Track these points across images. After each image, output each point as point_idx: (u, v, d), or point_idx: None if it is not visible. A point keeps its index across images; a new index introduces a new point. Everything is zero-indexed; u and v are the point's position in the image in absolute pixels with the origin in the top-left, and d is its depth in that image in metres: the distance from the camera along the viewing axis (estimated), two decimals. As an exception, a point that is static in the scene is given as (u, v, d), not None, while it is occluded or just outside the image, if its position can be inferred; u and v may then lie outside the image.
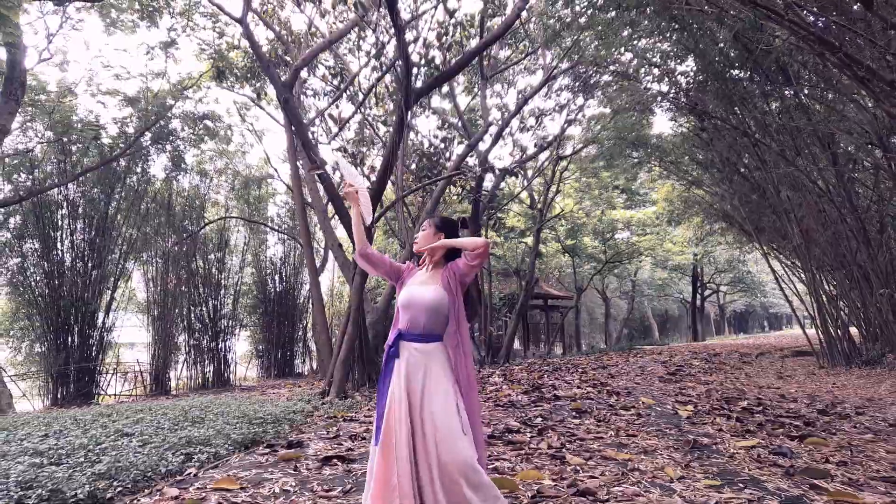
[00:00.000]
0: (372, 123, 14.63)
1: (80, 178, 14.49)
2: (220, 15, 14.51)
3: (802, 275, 15.15)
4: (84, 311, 14.58)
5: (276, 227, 19.96)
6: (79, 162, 15.00)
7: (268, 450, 5.40)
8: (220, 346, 18.25)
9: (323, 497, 3.93)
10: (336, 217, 11.25)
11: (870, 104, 9.69)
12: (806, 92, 12.13)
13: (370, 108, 14.71)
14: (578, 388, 9.52)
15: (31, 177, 14.60)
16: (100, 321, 15.16)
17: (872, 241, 12.44)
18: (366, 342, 10.33)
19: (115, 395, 15.64)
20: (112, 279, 15.68)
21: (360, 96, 13.83)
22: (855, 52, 7.07)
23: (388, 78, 13.20)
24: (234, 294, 19.63)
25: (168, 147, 17.23)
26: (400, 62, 8.85)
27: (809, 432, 6.05)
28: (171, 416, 6.66)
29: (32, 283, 14.28)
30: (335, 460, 4.90)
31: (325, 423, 6.89)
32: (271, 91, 18.41)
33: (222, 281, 18.98)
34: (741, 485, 3.98)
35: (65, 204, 14.74)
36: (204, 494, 4.01)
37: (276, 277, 20.33)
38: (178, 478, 4.54)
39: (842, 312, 14.08)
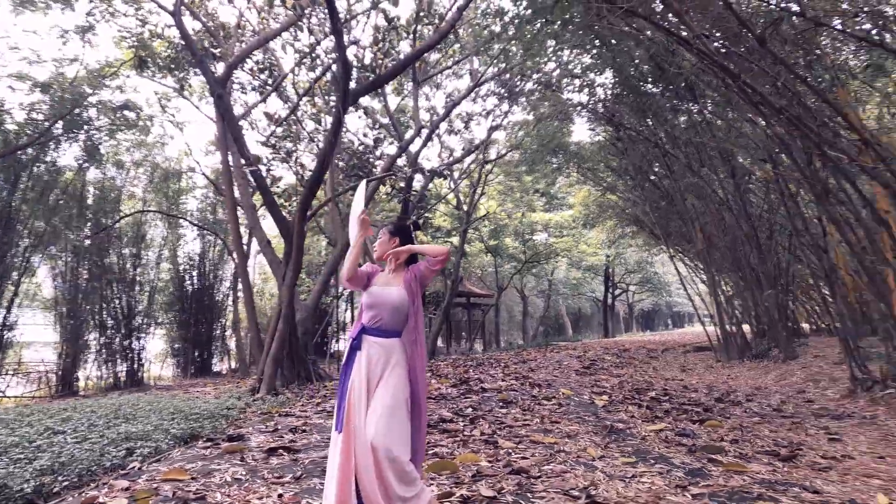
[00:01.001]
0: (300, 120, 14.72)
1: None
2: (144, 2, 14.21)
3: (704, 276, 16.41)
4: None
5: (196, 222, 19.58)
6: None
7: (209, 443, 5.58)
8: (133, 344, 17.78)
9: (275, 483, 4.20)
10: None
11: (762, 124, 10.73)
12: (709, 109, 13.20)
13: (302, 107, 14.81)
14: (503, 381, 10.11)
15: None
16: (0, 318, 14.54)
17: (763, 247, 13.68)
18: (295, 340, 10.50)
19: (16, 397, 14.97)
20: (15, 274, 15.03)
21: (292, 93, 13.95)
22: (751, 80, 7.94)
23: (316, 75, 13.36)
24: (150, 290, 19.16)
25: (82, 136, 16.63)
26: (337, 64, 9.13)
27: (708, 417, 6.84)
28: (102, 413, 6.67)
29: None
30: (281, 451, 5.17)
31: (262, 419, 7.10)
32: (195, 82, 18.15)
33: (137, 277, 18.50)
34: (652, 461, 4.60)
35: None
36: (155, 485, 4.17)
37: (195, 274, 19.93)
38: (122, 471, 4.67)
39: (736, 311, 15.39)
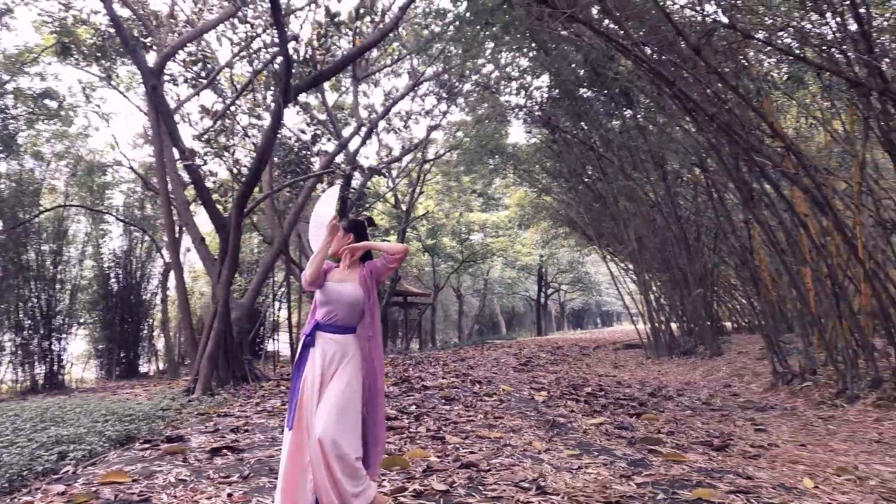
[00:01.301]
0: (234, 114, 14.39)
1: None
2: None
3: (635, 276, 16.98)
4: None
5: (123, 218, 18.80)
6: None
7: (147, 445, 5.39)
8: (53, 345, 16.94)
9: (223, 483, 4.12)
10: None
11: (693, 130, 11.20)
12: (642, 114, 13.68)
13: (237, 101, 14.47)
14: (443, 378, 10.20)
15: None
16: None
17: (691, 248, 14.28)
18: (230, 339, 10.27)
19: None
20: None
21: (227, 87, 13.61)
22: (685, 88, 8.29)
23: (255, 69, 13.09)
24: (72, 289, 18.31)
25: (-4, 126, 15.74)
26: (279, 59, 8.98)
27: (643, 411, 7.11)
28: (27, 416, 6.37)
29: None
30: (224, 451, 5.06)
31: (200, 419, 6.92)
32: (123, 72, 17.46)
33: (58, 274, 17.64)
34: (596, 453, 4.76)
35: None
36: (94, 489, 4.01)
37: (121, 271, 19.13)
38: (55, 476, 4.46)
39: (665, 310, 16.00)
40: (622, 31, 7.99)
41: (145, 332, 19.46)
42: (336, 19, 10.66)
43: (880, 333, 8.48)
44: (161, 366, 19.21)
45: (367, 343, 3.36)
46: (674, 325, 16.17)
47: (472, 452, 4.81)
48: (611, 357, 16.56)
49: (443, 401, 7.78)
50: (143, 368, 19.07)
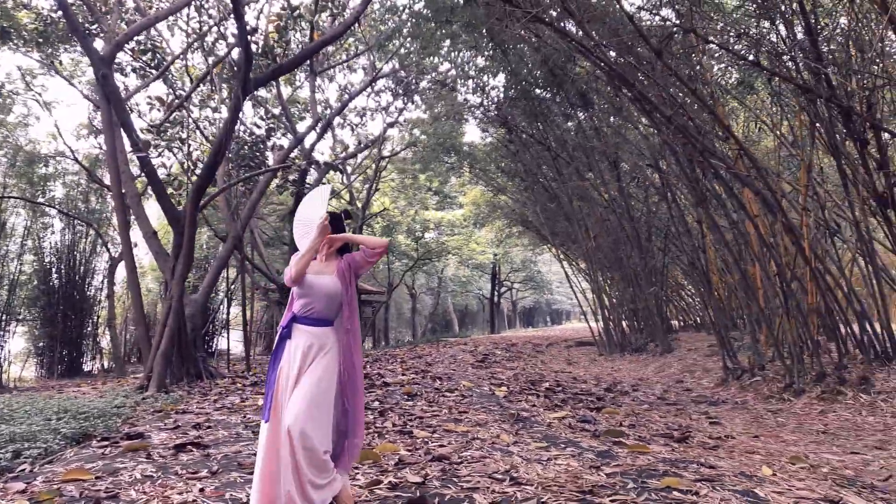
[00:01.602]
0: (185, 106, 14.07)
1: None
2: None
3: (588, 275, 17.31)
4: None
5: (66, 211, 18.14)
6: None
7: (105, 442, 5.24)
8: (-10, 343, 16.30)
9: (192, 479, 4.04)
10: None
11: (650, 131, 11.49)
12: (598, 116, 13.94)
13: (183, 90, 14.13)
14: (403, 375, 10.20)
15: None
16: None
17: (643, 247, 14.65)
18: (185, 336, 10.04)
19: None
20: None
21: (178, 78, 13.27)
22: (643, 90, 8.51)
23: (213, 60, 12.83)
24: (10, 285, 17.60)
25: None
26: (236, 50, 8.84)
27: (602, 405, 7.28)
28: None
29: None
30: (189, 447, 4.96)
31: (157, 416, 6.77)
32: (66, 59, 16.81)
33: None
34: (563, 445, 4.85)
35: None
36: (56, 486, 3.90)
37: (62, 267, 18.45)
38: (11, 474, 4.32)
39: (617, 308, 16.37)
40: (584, 34, 8.13)
41: (89, 329, 18.82)
42: (296, 12, 10.53)
43: (824, 330, 8.89)
44: (106, 364, 18.61)
45: (346, 336, 3.35)
46: (625, 323, 16.55)
47: (441, 446, 4.84)
48: (564, 354, 16.83)
49: (405, 397, 7.78)
50: (86, 367, 18.44)
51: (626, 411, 6.85)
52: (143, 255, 22.59)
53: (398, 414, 6.45)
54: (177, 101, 11.68)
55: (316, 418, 3.03)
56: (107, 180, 16.98)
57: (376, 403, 7.18)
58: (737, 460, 4.57)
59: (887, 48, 6.68)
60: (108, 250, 18.32)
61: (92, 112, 16.02)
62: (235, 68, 9.16)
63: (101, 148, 16.66)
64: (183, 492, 3.67)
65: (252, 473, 3.97)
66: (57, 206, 18.21)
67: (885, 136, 7.32)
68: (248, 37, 8.52)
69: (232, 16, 9.14)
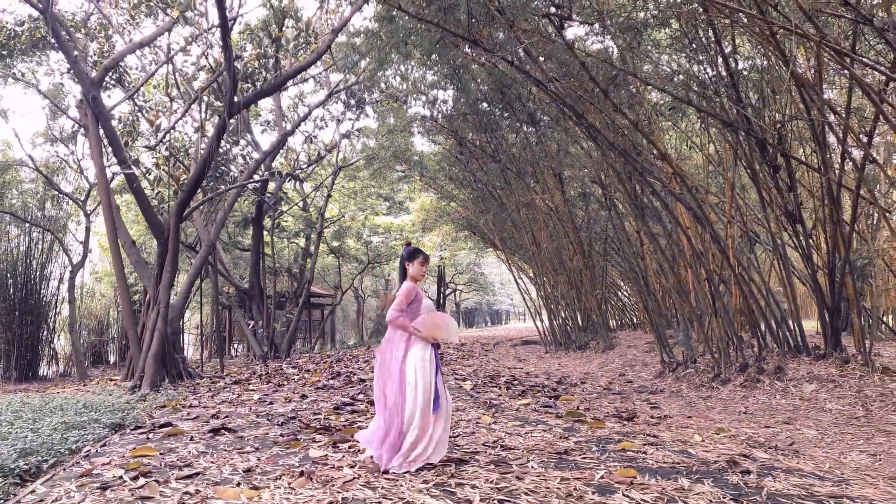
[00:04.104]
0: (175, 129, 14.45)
1: None
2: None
3: (533, 277, 18.46)
4: None
5: (25, 218, 18.06)
6: None
7: (139, 430, 5.85)
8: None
9: (241, 453, 4.66)
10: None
11: (594, 151, 12.63)
12: (543, 132, 15.04)
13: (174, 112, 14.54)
14: (373, 371, 10.99)
15: None
16: None
17: (585, 252, 15.87)
18: (166, 338, 10.56)
19: None
20: None
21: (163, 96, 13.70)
22: (590, 117, 9.61)
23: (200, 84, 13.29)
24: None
25: None
26: (224, 76, 9.50)
27: (558, 394, 8.30)
28: (10, 409, 6.42)
29: None
30: (223, 431, 5.64)
31: (167, 411, 7.28)
32: (24, 68, 16.83)
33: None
34: (534, 423, 5.82)
35: None
36: (131, 461, 4.42)
37: (19, 272, 18.34)
38: (82, 454, 4.84)
39: (561, 308, 17.57)
40: (539, 69, 9.16)
41: (45, 334, 18.75)
42: (280, 42, 11.24)
43: (749, 327, 10.20)
44: (62, 368, 18.61)
45: None
46: (569, 323, 17.75)
47: (431, 428, 5.71)
48: (512, 353, 17.92)
49: (382, 391, 8.59)
50: (42, 371, 18.38)
51: (579, 399, 7.90)
52: (98, 262, 22.56)
53: (382, 405, 7.28)
54: (167, 123, 12.15)
55: None
56: (64, 188, 17.17)
57: (361, 396, 7.98)
58: (674, 432, 5.63)
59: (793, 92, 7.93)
60: (67, 256, 18.35)
61: (50, 121, 16.16)
62: (220, 91, 9.78)
63: (57, 156, 16.80)
64: (244, 461, 4.40)
65: (289, 448, 4.80)
66: (13, 213, 18.11)
67: (794, 162, 8.64)
68: (234, 63, 9.19)
69: (215, 40, 9.78)
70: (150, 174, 12.22)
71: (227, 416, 6.61)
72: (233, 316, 21.14)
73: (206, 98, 10.77)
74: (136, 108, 13.03)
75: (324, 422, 6.04)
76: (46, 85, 16.26)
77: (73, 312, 15.94)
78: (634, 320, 19.78)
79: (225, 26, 8.55)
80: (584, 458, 4.33)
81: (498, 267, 40.79)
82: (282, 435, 5.44)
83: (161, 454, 4.71)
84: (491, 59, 11.06)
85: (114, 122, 13.56)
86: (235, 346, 26.15)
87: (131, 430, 5.96)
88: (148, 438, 5.45)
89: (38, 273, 18.24)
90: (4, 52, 14.61)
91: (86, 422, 5.84)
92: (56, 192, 16.92)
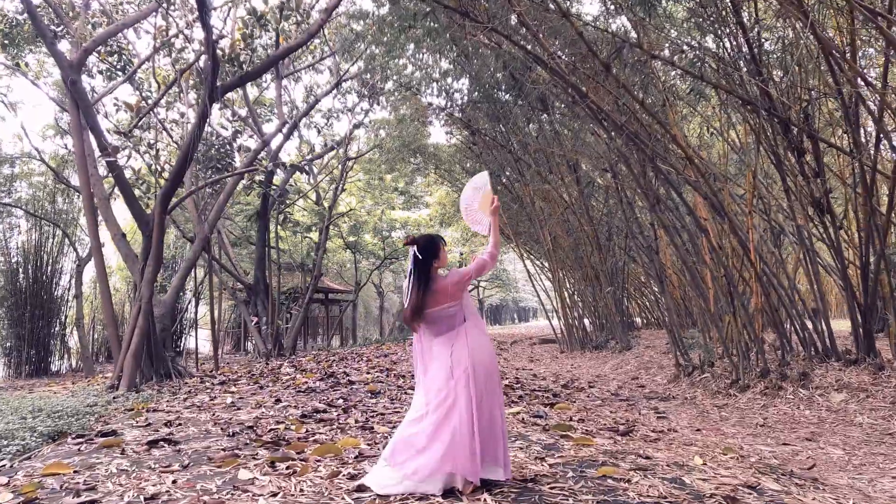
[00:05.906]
0: (155, 112, 14.06)
1: None
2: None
3: (550, 274, 17.70)
4: None
5: (33, 212, 17.92)
6: None
7: (80, 440, 5.38)
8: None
9: (165, 472, 4.21)
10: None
11: (604, 137, 11.86)
12: (557, 120, 14.31)
13: (152, 93, 14.12)
14: (368, 373, 10.40)
15: None
16: None
17: (602, 247, 15.08)
18: (154, 336, 10.10)
19: None
20: None
21: (144, 78, 13.26)
22: (596, 99, 8.84)
23: (180, 66, 12.85)
24: (-24, 286, 17.34)
25: None
26: (205, 57, 8.96)
27: (557, 401, 7.60)
28: None
29: None
30: (161, 443, 5.13)
31: (129, 415, 6.85)
32: (32, 59, 16.64)
33: (-41, 271, 16.71)
34: (514, 438, 5.14)
35: None
36: (37, 480, 4.04)
37: (30, 267, 18.20)
38: None
39: (578, 306, 16.80)
40: (539, 44, 8.43)
41: (57, 329, 18.63)
42: (262, 20, 10.67)
43: (770, 329, 9.34)
44: (74, 364, 18.47)
45: None
46: (587, 321, 16.99)
47: (398, 442, 5.07)
48: (527, 352, 17.21)
49: (369, 394, 8.00)
50: (54, 367, 18.27)
51: (578, 407, 7.18)
52: (111, 255, 22.39)
53: (361, 411, 6.67)
54: (145, 106, 11.69)
55: None
56: (74, 181, 16.89)
57: (340, 401, 7.38)
58: (673, 451, 4.90)
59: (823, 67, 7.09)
60: (75, 250, 18.17)
61: (58, 113, 15.92)
62: (203, 75, 9.27)
63: (66, 148, 16.57)
64: (156, 484, 3.86)
65: (220, 467, 4.25)
66: (23, 207, 17.99)
67: (822, 145, 7.77)
68: (215, 44, 8.64)
69: (198, 23, 9.24)
70: (133, 160, 11.77)
71: (181, 424, 6.07)
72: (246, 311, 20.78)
73: (189, 82, 10.28)
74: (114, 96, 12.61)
75: (282, 433, 5.44)
76: (57, 76, 16.03)
77: (80, 307, 15.68)
78: (658, 319, 18.88)
79: (202, 3, 8.00)
80: (553, 488, 3.64)
81: (521, 262, 40.02)
82: (223, 449, 4.86)
83: (75, 472, 4.23)
84: (492, 38, 10.38)
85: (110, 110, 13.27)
86: (252, 341, 25.87)
87: (73, 438, 5.46)
88: (79, 451, 4.94)
89: (49, 268, 18.11)
90: (7, 42, 14.41)
91: (16, 430, 5.34)
92: (65, 186, 16.73)
